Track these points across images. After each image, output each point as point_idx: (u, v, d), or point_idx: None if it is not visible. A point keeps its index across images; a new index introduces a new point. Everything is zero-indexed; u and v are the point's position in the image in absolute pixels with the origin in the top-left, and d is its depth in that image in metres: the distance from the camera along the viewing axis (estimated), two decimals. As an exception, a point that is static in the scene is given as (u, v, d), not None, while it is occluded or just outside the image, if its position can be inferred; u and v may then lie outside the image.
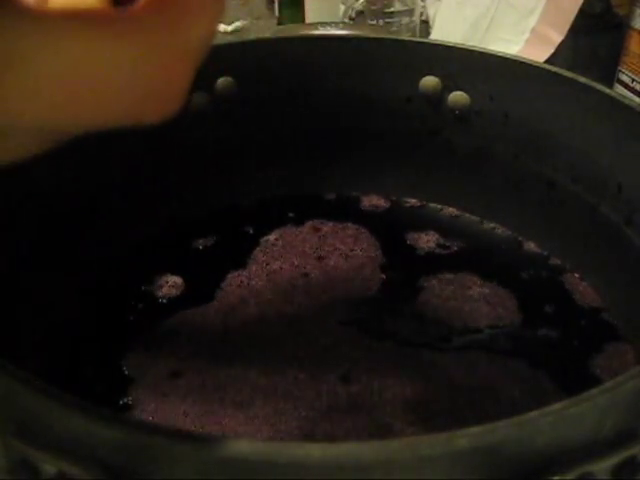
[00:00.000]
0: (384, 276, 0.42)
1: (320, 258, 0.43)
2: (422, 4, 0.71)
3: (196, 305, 0.39)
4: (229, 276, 0.42)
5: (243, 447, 0.18)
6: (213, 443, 0.18)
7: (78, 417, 0.19)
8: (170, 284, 0.41)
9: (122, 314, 0.39)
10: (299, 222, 0.46)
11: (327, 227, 0.46)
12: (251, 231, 0.45)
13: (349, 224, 0.46)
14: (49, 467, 0.19)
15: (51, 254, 0.37)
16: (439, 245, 0.44)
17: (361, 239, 0.45)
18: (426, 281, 0.41)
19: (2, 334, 0.31)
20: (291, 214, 0.47)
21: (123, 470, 0.19)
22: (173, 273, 0.42)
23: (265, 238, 0.45)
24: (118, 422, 0.18)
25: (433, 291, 0.40)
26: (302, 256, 0.43)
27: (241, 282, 0.41)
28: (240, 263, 0.43)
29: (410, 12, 0.70)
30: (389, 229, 0.46)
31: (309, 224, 0.46)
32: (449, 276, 0.41)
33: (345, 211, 0.47)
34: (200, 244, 0.44)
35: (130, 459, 0.19)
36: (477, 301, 0.40)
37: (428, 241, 0.44)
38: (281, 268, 0.42)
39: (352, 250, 0.44)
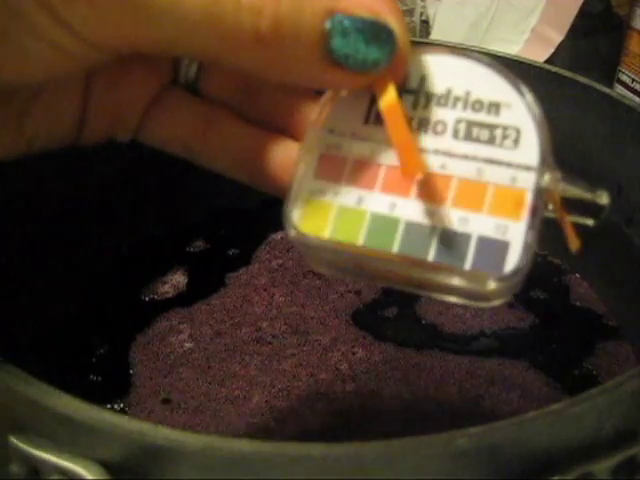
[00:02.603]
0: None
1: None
2: (422, 4, 0.71)
3: (199, 302, 0.39)
4: (233, 274, 0.42)
5: (243, 447, 0.18)
6: (213, 443, 0.18)
7: (78, 417, 0.19)
8: (174, 282, 0.41)
9: (125, 312, 0.39)
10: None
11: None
12: (256, 230, 0.45)
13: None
14: (49, 467, 0.19)
15: (51, 253, 0.37)
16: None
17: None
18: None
19: (2, 334, 0.31)
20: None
21: (123, 470, 0.19)
22: (176, 271, 0.42)
23: (271, 237, 0.45)
24: (118, 422, 0.18)
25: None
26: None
27: (244, 280, 0.41)
28: (244, 261, 0.43)
29: (410, 12, 0.70)
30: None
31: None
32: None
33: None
34: (204, 242, 0.44)
35: (130, 459, 0.19)
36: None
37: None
38: (285, 267, 0.42)
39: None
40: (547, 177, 0.18)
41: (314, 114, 0.20)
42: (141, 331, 0.37)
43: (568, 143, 0.40)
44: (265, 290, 0.40)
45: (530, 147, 0.18)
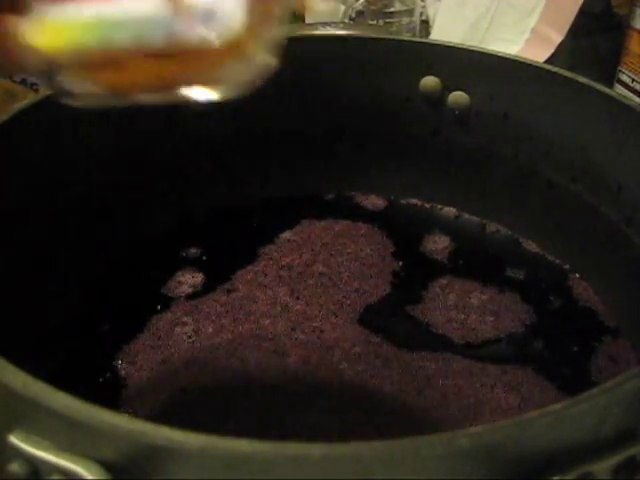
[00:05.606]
0: (391, 277, 0.42)
1: (331, 256, 0.43)
2: (422, 4, 0.71)
3: (204, 299, 0.40)
4: (240, 272, 0.42)
5: (243, 447, 0.18)
6: (213, 443, 0.18)
7: (78, 417, 0.19)
8: (180, 280, 0.41)
9: (128, 311, 0.39)
10: (310, 220, 0.46)
11: (340, 226, 0.46)
12: (264, 229, 0.46)
13: (360, 224, 0.46)
14: (49, 467, 0.19)
15: (51, 253, 0.37)
16: (444, 247, 0.44)
17: (372, 239, 0.45)
18: (430, 283, 0.41)
19: (2, 334, 0.31)
20: (294, 213, 0.47)
21: (123, 470, 0.19)
22: (183, 269, 0.42)
23: (279, 235, 0.45)
24: (118, 422, 0.18)
25: (436, 294, 0.40)
26: (313, 254, 0.43)
27: (250, 277, 0.41)
28: (251, 259, 0.43)
29: (410, 12, 0.70)
30: (390, 229, 0.46)
31: (323, 223, 0.46)
32: (451, 279, 0.41)
33: (344, 211, 0.47)
34: (212, 241, 0.44)
35: (130, 459, 0.19)
36: (478, 305, 0.40)
37: (433, 242, 0.44)
38: (291, 265, 0.42)
39: (362, 250, 0.44)
40: None
41: None
42: (145, 331, 0.38)
43: (568, 143, 0.40)
44: (270, 288, 0.41)
45: None
